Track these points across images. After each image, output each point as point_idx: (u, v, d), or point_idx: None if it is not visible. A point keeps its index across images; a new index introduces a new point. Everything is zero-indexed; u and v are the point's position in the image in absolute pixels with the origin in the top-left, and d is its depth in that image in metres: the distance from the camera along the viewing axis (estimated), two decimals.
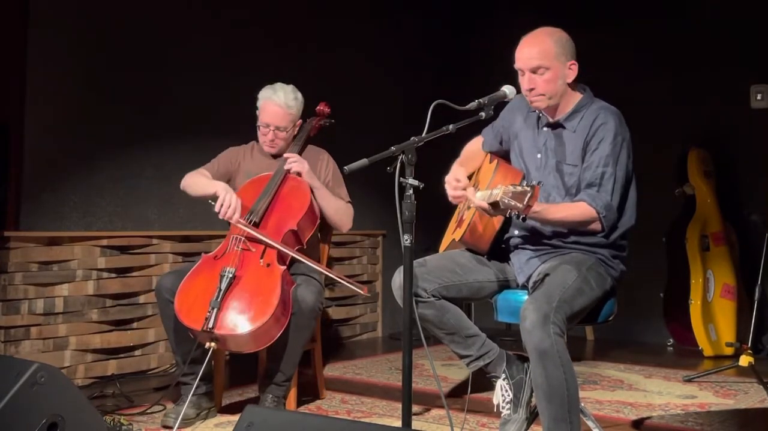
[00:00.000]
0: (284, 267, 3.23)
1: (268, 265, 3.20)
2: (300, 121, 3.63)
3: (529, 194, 2.26)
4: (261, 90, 3.58)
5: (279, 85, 3.56)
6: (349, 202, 3.61)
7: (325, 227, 3.70)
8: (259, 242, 3.26)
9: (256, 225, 3.32)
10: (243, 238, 3.26)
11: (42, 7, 3.96)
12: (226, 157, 3.65)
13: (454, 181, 2.87)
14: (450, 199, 2.88)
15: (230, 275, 3.10)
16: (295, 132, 3.63)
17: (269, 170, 3.50)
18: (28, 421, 2.15)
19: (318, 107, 3.77)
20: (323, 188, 3.51)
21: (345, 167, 2.42)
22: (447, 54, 6.20)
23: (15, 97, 3.91)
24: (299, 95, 3.57)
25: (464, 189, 2.85)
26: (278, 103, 3.50)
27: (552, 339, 2.43)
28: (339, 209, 3.55)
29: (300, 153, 3.58)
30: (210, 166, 3.60)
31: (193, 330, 3.07)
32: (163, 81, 4.42)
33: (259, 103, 3.57)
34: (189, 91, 4.52)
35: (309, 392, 3.77)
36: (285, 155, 3.50)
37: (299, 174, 3.46)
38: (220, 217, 3.30)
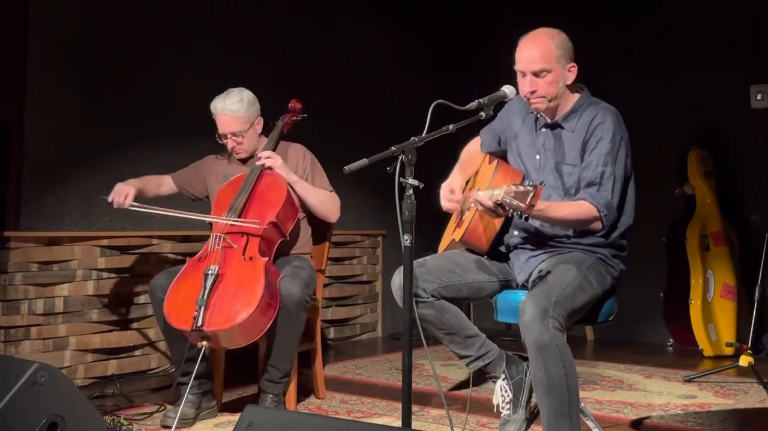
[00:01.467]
0: (267, 259, 3.24)
1: (251, 258, 3.22)
2: (260, 119, 3.61)
3: (531, 194, 2.26)
4: (211, 103, 3.59)
5: (225, 93, 3.57)
6: (331, 191, 3.62)
7: (323, 224, 3.71)
8: (240, 235, 3.28)
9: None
10: (223, 236, 3.28)
11: (42, 7, 3.96)
12: (196, 166, 3.72)
13: (448, 192, 2.86)
14: (443, 207, 2.88)
15: (214, 273, 3.12)
16: (259, 130, 3.64)
17: (246, 170, 3.52)
18: (28, 421, 2.15)
19: (290, 104, 3.78)
20: (301, 182, 3.52)
21: (345, 167, 2.42)
22: (447, 54, 6.20)
23: (15, 97, 3.91)
24: (245, 95, 3.55)
25: (457, 202, 2.85)
26: (224, 112, 3.52)
27: (551, 332, 2.42)
28: (323, 200, 3.56)
29: (274, 150, 3.59)
30: (179, 172, 3.71)
31: (183, 331, 3.08)
32: (162, 81, 4.43)
33: (214, 117, 3.58)
34: (188, 91, 4.51)
35: (309, 392, 3.77)
36: (259, 154, 3.52)
37: (272, 169, 3.48)
38: (114, 206, 3.39)
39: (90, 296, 4.04)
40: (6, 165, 3.92)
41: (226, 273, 3.16)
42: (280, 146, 3.66)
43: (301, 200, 3.52)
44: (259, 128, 3.63)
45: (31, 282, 3.83)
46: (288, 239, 3.45)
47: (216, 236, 3.30)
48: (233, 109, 3.51)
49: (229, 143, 3.56)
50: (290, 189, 3.45)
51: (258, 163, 3.47)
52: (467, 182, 3.02)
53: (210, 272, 3.12)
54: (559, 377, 2.45)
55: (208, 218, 3.38)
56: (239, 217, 3.34)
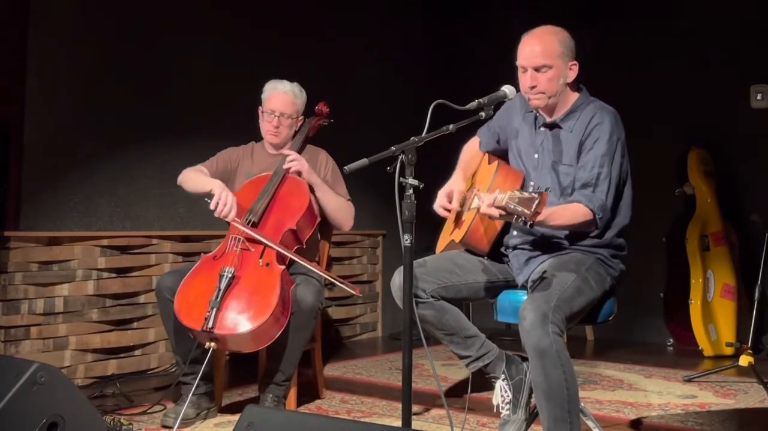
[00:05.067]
0: (283, 267, 3.23)
1: (267, 264, 3.20)
2: (302, 118, 3.66)
3: (536, 201, 2.24)
4: (266, 84, 3.65)
5: (284, 80, 3.65)
6: (349, 200, 3.62)
7: (325, 225, 3.71)
8: (258, 242, 3.27)
9: (254, 225, 3.33)
10: (242, 238, 3.27)
11: (42, 7, 3.96)
12: (226, 155, 3.67)
13: (445, 199, 2.82)
14: (436, 211, 2.85)
15: (229, 275, 3.11)
16: (297, 128, 3.66)
17: (268, 170, 3.51)
18: (28, 421, 2.15)
19: (317, 107, 3.78)
20: (324, 185, 3.53)
21: (345, 167, 2.42)
22: (447, 54, 6.20)
23: (15, 97, 3.91)
24: (304, 91, 3.66)
25: (450, 212, 2.83)
26: (285, 91, 3.60)
27: (551, 338, 2.43)
28: (340, 207, 3.56)
29: (299, 152, 3.59)
30: (209, 163, 3.62)
31: (192, 330, 3.07)
32: (163, 81, 4.42)
33: (265, 94, 3.63)
34: (189, 90, 4.52)
35: (309, 392, 3.77)
36: (284, 153, 3.51)
37: (299, 174, 3.47)
38: (216, 215, 3.32)
39: (90, 296, 4.04)
40: (6, 165, 3.91)
41: (242, 277, 3.15)
42: (306, 150, 3.66)
43: (319, 203, 3.51)
44: (298, 124, 3.66)
45: (31, 282, 3.83)
46: (305, 247, 3.44)
47: (234, 237, 3.29)
48: (296, 93, 3.62)
49: (274, 122, 3.57)
50: (312, 198, 3.44)
51: (285, 166, 3.46)
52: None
53: (226, 273, 3.11)
54: (559, 382, 2.45)
55: (242, 227, 3.26)
56: (258, 220, 3.32)
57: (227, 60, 4.67)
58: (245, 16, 4.89)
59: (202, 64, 4.60)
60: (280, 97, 3.58)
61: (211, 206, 3.31)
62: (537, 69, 2.69)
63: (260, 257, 3.23)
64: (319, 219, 3.53)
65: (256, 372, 3.58)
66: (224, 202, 3.30)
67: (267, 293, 3.09)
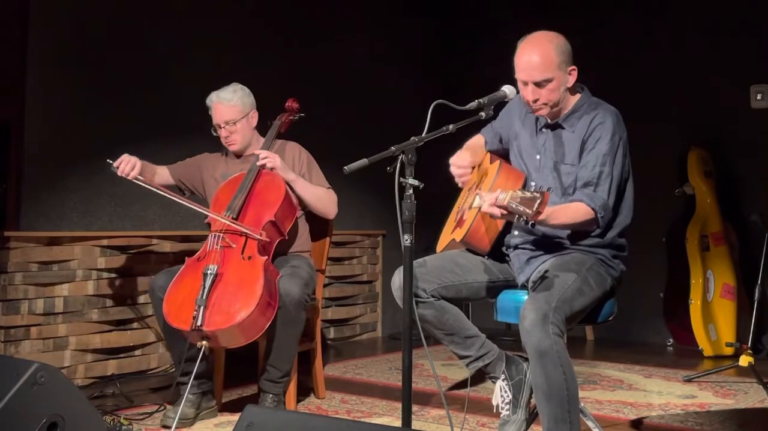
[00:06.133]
0: (266, 257, 3.24)
1: (250, 257, 3.22)
2: (255, 113, 3.65)
3: (538, 201, 2.24)
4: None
5: (221, 88, 3.64)
6: (328, 188, 3.63)
7: (323, 223, 3.72)
8: (239, 234, 3.28)
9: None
10: (222, 235, 3.28)
11: (42, 7, 3.96)
12: (194, 160, 3.72)
13: (456, 167, 2.87)
14: (455, 178, 2.89)
15: (213, 273, 3.12)
16: (254, 124, 3.66)
17: (244, 170, 3.52)
18: (28, 421, 2.15)
19: (287, 104, 3.79)
20: (300, 179, 3.54)
21: (345, 167, 2.42)
22: (447, 54, 6.20)
23: (15, 97, 3.91)
24: (239, 87, 3.63)
25: (467, 172, 2.87)
26: (218, 102, 3.59)
27: (551, 339, 2.43)
28: (320, 197, 3.57)
29: (270, 149, 3.60)
30: (175, 164, 3.70)
31: (183, 331, 3.08)
32: (163, 81, 4.43)
33: (210, 112, 3.64)
34: (189, 91, 4.50)
35: (309, 392, 3.77)
36: (256, 152, 3.52)
37: (273, 170, 3.49)
38: (119, 174, 3.36)
39: (90, 296, 4.04)
40: (6, 165, 3.92)
41: (225, 273, 3.17)
42: (276, 145, 3.67)
43: (299, 198, 3.52)
44: (254, 121, 3.65)
45: (31, 282, 3.83)
46: (287, 238, 3.45)
47: (215, 235, 3.30)
48: (227, 98, 3.58)
49: (223, 133, 3.59)
50: (288, 188, 3.46)
51: (258, 164, 3.47)
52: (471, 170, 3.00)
53: (209, 271, 3.12)
54: (559, 382, 2.45)
55: (206, 212, 3.37)
56: (237, 216, 3.34)
57: (227, 60, 4.67)
58: (245, 17, 4.89)
59: (202, 64, 4.60)
60: (218, 109, 3.58)
61: (114, 165, 3.36)
62: (538, 84, 2.68)
63: (242, 252, 3.24)
64: (299, 211, 3.55)
65: (255, 370, 3.58)
66: (127, 161, 3.37)
67: (251, 284, 3.10)
